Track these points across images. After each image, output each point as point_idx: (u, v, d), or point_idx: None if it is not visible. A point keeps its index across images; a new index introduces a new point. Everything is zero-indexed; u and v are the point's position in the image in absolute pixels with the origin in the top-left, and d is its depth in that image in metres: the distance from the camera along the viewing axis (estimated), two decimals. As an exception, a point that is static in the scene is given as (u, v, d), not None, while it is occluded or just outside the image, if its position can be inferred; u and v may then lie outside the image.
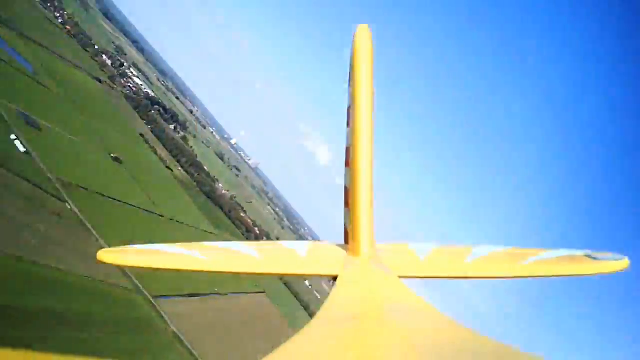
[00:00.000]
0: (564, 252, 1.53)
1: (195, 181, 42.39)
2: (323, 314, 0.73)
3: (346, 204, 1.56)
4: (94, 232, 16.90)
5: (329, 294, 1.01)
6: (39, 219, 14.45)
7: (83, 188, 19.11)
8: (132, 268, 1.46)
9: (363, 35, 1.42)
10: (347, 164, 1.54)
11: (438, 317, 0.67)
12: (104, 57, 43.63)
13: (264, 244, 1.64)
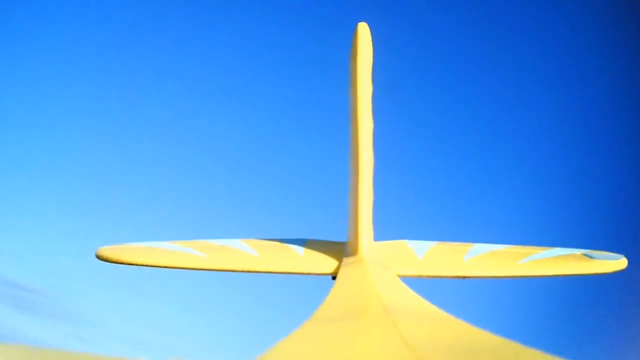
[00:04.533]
0: (561, 251, 1.53)
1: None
2: (320, 312, 0.72)
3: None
4: None
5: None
6: None
7: None
8: (131, 265, 1.46)
9: (362, 34, 1.42)
10: None
11: (437, 314, 0.67)
12: None
13: (263, 242, 1.64)
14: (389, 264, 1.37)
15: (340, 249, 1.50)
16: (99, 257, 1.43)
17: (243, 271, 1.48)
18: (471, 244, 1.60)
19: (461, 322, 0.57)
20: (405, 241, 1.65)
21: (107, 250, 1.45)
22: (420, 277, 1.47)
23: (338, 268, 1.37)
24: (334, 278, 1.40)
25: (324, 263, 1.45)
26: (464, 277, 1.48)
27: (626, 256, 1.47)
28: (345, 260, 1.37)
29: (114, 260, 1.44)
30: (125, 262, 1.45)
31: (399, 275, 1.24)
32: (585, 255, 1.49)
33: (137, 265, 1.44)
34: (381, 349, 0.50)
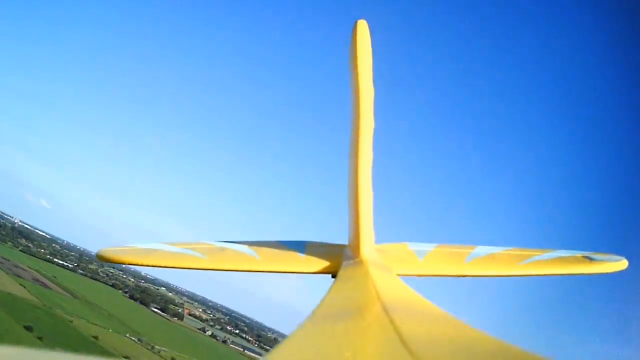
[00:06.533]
0: (562, 253, 1.54)
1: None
2: (319, 311, 0.72)
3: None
4: None
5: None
6: None
7: None
8: (131, 265, 1.47)
9: (361, 31, 1.41)
10: None
11: (438, 315, 0.67)
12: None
13: (263, 243, 1.64)
14: (390, 266, 1.36)
15: (340, 252, 1.49)
16: (101, 258, 1.43)
17: (243, 271, 1.49)
18: (472, 246, 1.60)
19: (459, 322, 0.57)
20: (406, 243, 1.65)
21: (109, 252, 1.45)
22: (421, 276, 1.47)
23: (338, 268, 1.37)
24: (333, 277, 1.40)
25: (325, 263, 1.45)
26: (465, 277, 1.49)
27: (627, 259, 1.47)
28: (346, 261, 1.36)
29: (115, 260, 1.44)
30: (126, 262, 1.45)
31: (399, 275, 1.24)
32: (585, 257, 1.49)
33: (138, 265, 1.45)
34: (379, 348, 0.50)
